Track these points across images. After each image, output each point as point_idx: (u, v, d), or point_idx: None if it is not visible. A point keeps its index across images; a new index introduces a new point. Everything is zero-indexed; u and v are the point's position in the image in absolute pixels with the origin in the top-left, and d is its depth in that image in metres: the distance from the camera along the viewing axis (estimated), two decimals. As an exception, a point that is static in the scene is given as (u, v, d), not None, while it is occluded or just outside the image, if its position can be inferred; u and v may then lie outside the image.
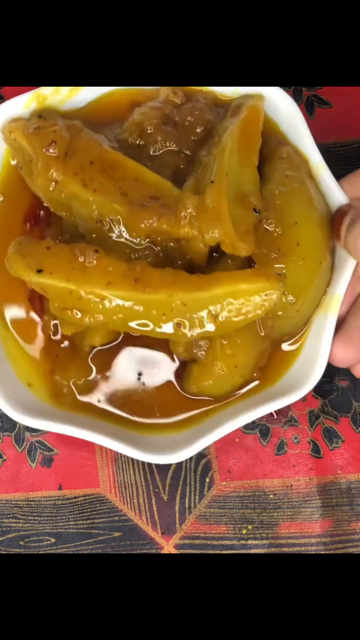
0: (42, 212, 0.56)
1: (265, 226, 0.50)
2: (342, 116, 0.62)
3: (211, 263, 0.52)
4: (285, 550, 0.57)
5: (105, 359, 0.55)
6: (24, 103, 0.54)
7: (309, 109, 0.62)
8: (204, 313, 0.48)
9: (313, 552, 0.56)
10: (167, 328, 0.48)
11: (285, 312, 0.51)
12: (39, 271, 0.48)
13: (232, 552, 0.56)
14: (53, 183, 0.51)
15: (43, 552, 0.56)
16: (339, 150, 0.62)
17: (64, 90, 0.54)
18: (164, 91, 0.56)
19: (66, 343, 0.55)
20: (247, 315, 0.48)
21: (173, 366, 0.55)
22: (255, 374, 0.53)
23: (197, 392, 0.53)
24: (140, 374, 0.55)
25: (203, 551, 0.57)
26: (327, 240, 0.52)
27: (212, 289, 0.47)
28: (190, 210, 0.48)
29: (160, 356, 0.55)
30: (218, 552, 0.56)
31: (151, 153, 0.54)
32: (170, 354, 0.55)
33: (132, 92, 0.56)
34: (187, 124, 0.54)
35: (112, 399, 0.55)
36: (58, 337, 0.55)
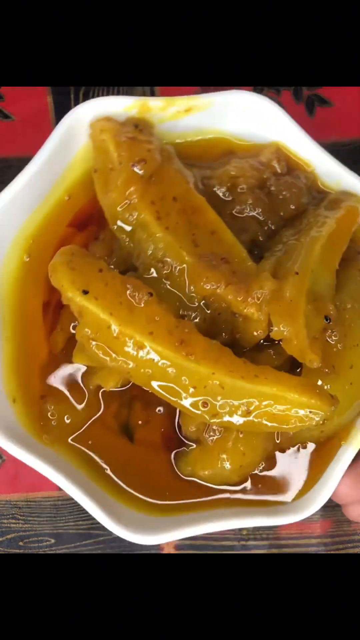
0: (89, 223, 0.51)
1: (327, 337, 0.46)
2: (343, 115, 0.62)
3: (254, 348, 0.47)
4: (286, 550, 0.57)
5: (106, 402, 0.50)
6: (125, 105, 0.49)
7: (309, 108, 0.62)
8: (237, 403, 0.43)
9: (313, 553, 0.56)
10: (191, 403, 0.43)
11: (311, 429, 0.47)
12: (85, 292, 0.44)
13: (232, 552, 0.56)
14: (126, 202, 0.46)
15: (43, 553, 0.56)
16: (340, 149, 0.62)
17: (172, 110, 0.50)
18: (268, 153, 0.52)
19: (68, 369, 0.49)
20: (283, 425, 0.43)
21: (174, 438, 0.50)
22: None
23: (188, 474, 0.49)
24: (131, 434, 0.50)
25: (203, 551, 0.56)
26: None
27: (258, 385, 0.43)
28: (265, 292, 0.44)
29: (165, 422, 0.50)
30: (218, 552, 0.56)
31: (234, 212, 0.50)
32: (171, 424, 0.50)
33: (233, 139, 0.53)
34: (281, 197, 0.51)
35: (100, 448, 0.49)
36: (58, 354, 0.49)
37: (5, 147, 0.61)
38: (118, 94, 0.61)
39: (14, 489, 0.58)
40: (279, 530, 0.57)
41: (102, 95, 0.61)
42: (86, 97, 0.62)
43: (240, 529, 0.57)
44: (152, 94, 0.63)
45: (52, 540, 0.57)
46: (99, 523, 0.57)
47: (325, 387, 0.46)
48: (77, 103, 0.61)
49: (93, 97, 0.62)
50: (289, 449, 0.50)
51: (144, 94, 0.63)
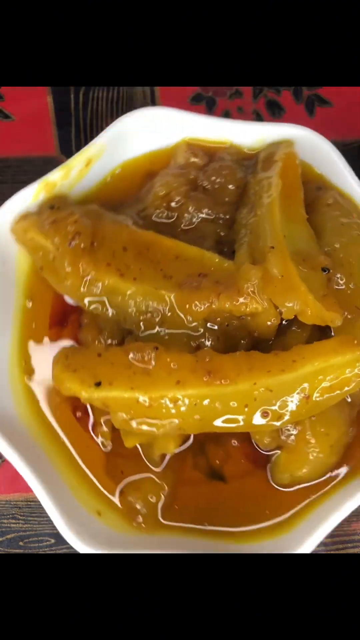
0: (69, 312, 0.50)
1: (336, 286, 0.45)
2: (343, 115, 0.62)
3: (279, 334, 0.46)
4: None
5: (178, 466, 0.48)
6: (32, 195, 0.49)
7: (309, 108, 0.62)
8: (294, 396, 0.42)
9: (313, 552, 0.56)
10: (252, 420, 0.42)
11: None
12: (98, 384, 0.42)
13: (232, 552, 0.56)
14: (85, 279, 0.45)
15: (43, 553, 0.56)
16: (339, 149, 0.62)
17: (74, 172, 0.50)
18: (181, 153, 0.51)
19: (128, 455, 0.48)
20: (344, 390, 0.42)
21: (256, 458, 0.48)
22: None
23: (290, 483, 0.47)
24: (220, 476, 0.48)
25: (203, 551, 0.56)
26: None
27: (300, 368, 0.42)
28: (255, 282, 0.43)
29: (237, 448, 0.48)
30: (218, 552, 0.56)
31: (184, 226, 0.49)
32: (249, 444, 0.48)
33: (145, 161, 0.52)
34: (217, 186, 0.50)
35: (196, 510, 0.47)
36: (110, 448, 0.48)
37: (5, 147, 0.61)
38: (118, 93, 0.61)
39: (14, 489, 0.58)
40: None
41: (102, 95, 0.62)
42: (86, 97, 0.62)
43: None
44: (152, 94, 0.63)
45: (52, 540, 0.56)
46: (99, 523, 0.57)
47: None
48: (77, 103, 0.61)
49: (93, 97, 0.62)
50: None
51: (144, 94, 0.63)
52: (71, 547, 0.56)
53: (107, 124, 0.62)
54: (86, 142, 0.62)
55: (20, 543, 0.57)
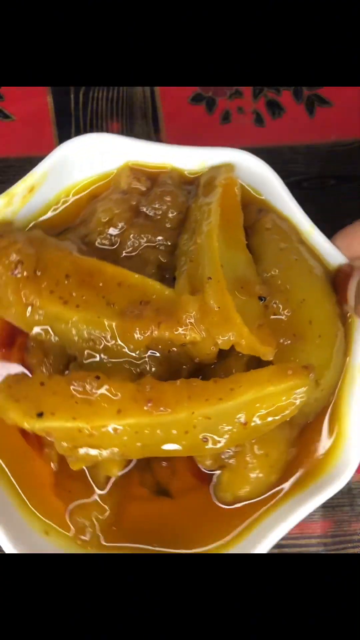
0: (15, 336, 0.50)
1: (273, 313, 0.46)
2: (343, 115, 0.62)
3: (220, 357, 0.47)
4: (286, 550, 0.56)
5: (125, 483, 0.48)
6: None
7: (309, 108, 0.62)
8: (232, 424, 0.42)
9: (313, 553, 0.56)
10: (192, 446, 0.43)
11: (311, 396, 0.46)
12: (40, 415, 0.42)
13: (232, 552, 0.56)
14: (29, 307, 0.45)
15: (42, 553, 0.56)
16: (339, 149, 0.62)
17: (16, 200, 0.50)
18: (124, 178, 0.51)
19: (74, 476, 0.48)
20: (280, 416, 0.43)
21: (201, 475, 0.49)
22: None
23: (232, 501, 0.48)
24: (166, 492, 0.49)
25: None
26: (335, 308, 0.48)
27: (237, 397, 0.42)
28: (193, 313, 0.44)
29: (183, 465, 0.49)
30: (218, 552, 0.56)
31: (126, 252, 0.49)
32: (193, 460, 0.48)
33: (88, 186, 0.52)
34: (159, 212, 0.50)
35: (141, 529, 0.48)
36: (57, 468, 0.48)
37: (5, 147, 0.61)
38: (118, 93, 0.61)
39: (14, 489, 0.58)
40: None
41: (102, 95, 0.62)
42: (86, 97, 0.62)
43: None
44: (152, 94, 0.63)
45: (52, 540, 0.56)
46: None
47: (299, 355, 0.45)
48: (77, 103, 0.61)
49: (93, 97, 0.62)
50: (305, 423, 0.49)
51: (143, 94, 0.63)
52: (71, 547, 0.56)
53: (107, 124, 0.62)
54: (86, 142, 0.62)
55: (20, 543, 0.57)
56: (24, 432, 0.49)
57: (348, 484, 0.58)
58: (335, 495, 0.57)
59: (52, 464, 0.48)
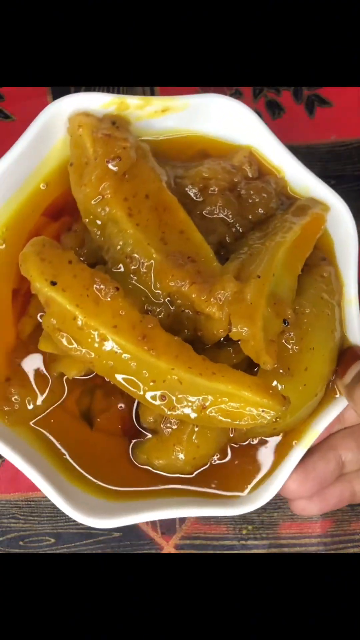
0: (64, 213, 0.51)
1: (284, 340, 0.48)
2: (343, 115, 0.62)
3: (215, 345, 0.49)
4: (286, 550, 0.57)
5: (69, 389, 0.51)
6: (103, 102, 0.50)
7: (309, 108, 0.62)
8: (194, 399, 0.45)
9: (313, 553, 0.56)
10: (150, 396, 0.45)
11: (264, 426, 0.48)
12: (53, 283, 0.45)
13: (232, 552, 0.56)
14: (99, 197, 0.47)
15: (43, 552, 0.56)
16: (339, 149, 0.62)
17: (148, 109, 0.51)
18: (240, 157, 0.53)
19: (34, 355, 0.50)
20: (236, 421, 0.45)
21: (132, 427, 0.51)
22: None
23: (143, 463, 0.50)
24: (95, 419, 0.51)
25: (203, 551, 0.56)
26: (330, 374, 0.50)
27: (214, 382, 0.44)
28: (227, 294, 0.45)
29: (124, 412, 0.51)
30: (218, 552, 0.56)
31: (204, 213, 0.51)
32: (129, 414, 0.51)
33: (208, 141, 0.54)
34: (250, 200, 0.52)
35: (60, 433, 0.50)
36: (24, 338, 0.50)
37: (5, 147, 0.61)
38: (118, 93, 0.61)
39: (14, 488, 0.58)
40: (279, 530, 0.57)
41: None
42: (86, 97, 0.62)
43: (241, 529, 0.57)
44: (152, 94, 0.63)
45: (52, 540, 0.57)
46: (99, 523, 0.57)
47: (280, 387, 0.47)
48: (77, 103, 0.61)
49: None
50: (242, 443, 0.51)
51: (144, 94, 0.63)
52: (71, 547, 0.57)
53: (107, 124, 0.62)
54: (86, 142, 0.62)
55: (20, 543, 0.57)
56: (14, 294, 0.51)
57: (348, 484, 0.58)
58: (335, 495, 0.57)
59: (21, 332, 0.50)
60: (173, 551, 0.57)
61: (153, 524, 0.57)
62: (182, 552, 0.57)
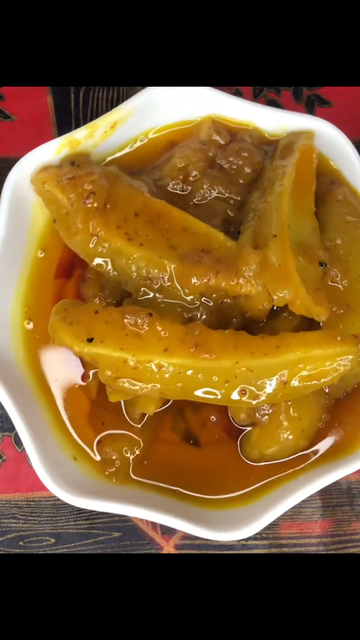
0: (76, 266, 0.51)
1: (330, 281, 0.47)
2: (343, 115, 0.62)
3: (269, 317, 0.48)
4: (286, 550, 0.57)
5: (156, 425, 0.50)
6: (54, 149, 0.50)
7: (309, 108, 0.62)
8: (272, 380, 0.43)
9: (313, 553, 0.56)
10: (230, 396, 0.44)
11: (353, 370, 0.46)
12: (90, 340, 0.44)
13: (232, 552, 0.56)
14: (94, 238, 0.47)
15: (43, 553, 0.56)
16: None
17: (98, 133, 0.51)
18: (205, 130, 0.52)
19: (111, 408, 0.50)
20: (320, 381, 0.44)
21: (231, 429, 0.50)
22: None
23: (258, 459, 0.49)
24: (195, 440, 0.50)
25: (203, 551, 0.56)
26: None
27: (282, 355, 0.43)
28: (253, 267, 0.44)
29: (214, 419, 0.50)
30: (218, 552, 0.56)
31: (196, 200, 0.50)
32: (225, 415, 0.50)
33: (169, 132, 0.53)
34: (234, 167, 0.51)
35: (167, 470, 0.49)
36: (95, 399, 0.50)
37: (5, 147, 0.61)
38: (118, 93, 0.61)
39: (14, 488, 0.58)
40: (279, 530, 0.57)
41: (102, 95, 0.62)
42: (86, 97, 0.62)
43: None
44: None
45: (52, 540, 0.57)
46: (98, 522, 0.57)
47: (349, 326, 0.46)
48: (77, 103, 0.61)
49: (93, 97, 0.62)
50: (342, 394, 0.50)
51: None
52: (71, 547, 0.57)
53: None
54: (86, 142, 0.62)
55: (20, 543, 0.57)
56: (66, 361, 0.51)
57: (348, 483, 0.58)
58: (335, 495, 0.58)
59: (89, 394, 0.50)
60: (173, 551, 0.57)
61: (153, 523, 0.57)
62: (182, 552, 0.56)
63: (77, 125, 0.62)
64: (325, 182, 0.51)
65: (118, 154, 0.53)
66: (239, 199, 0.51)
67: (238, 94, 0.63)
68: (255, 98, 0.63)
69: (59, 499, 0.57)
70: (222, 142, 0.52)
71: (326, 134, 0.51)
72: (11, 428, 0.59)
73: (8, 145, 0.61)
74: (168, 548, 0.57)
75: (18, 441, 0.59)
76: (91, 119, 0.62)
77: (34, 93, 0.62)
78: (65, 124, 0.62)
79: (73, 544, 0.57)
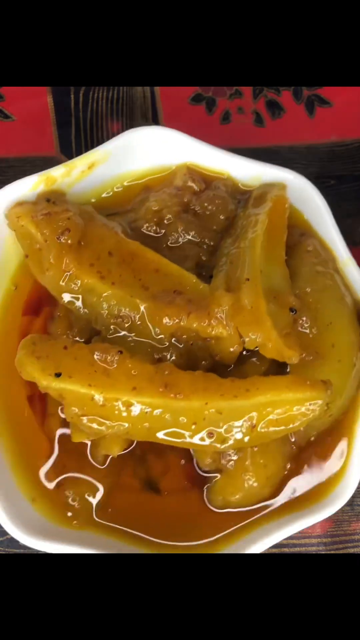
0: (45, 303, 0.51)
1: (300, 327, 0.47)
2: (342, 115, 0.62)
3: (238, 362, 0.48)
4: (286, 550, 0.56)
5: (120, 468, 0.49)
6: (31, 185, 0.50)
7: (309, 108, 0.62)
8: (240, 423, 0.43)
9: (313, 552, 0.56)
10: (198, 438, 0.43)
11: (320, 418, 0.46)
12: (57, 375, 0.43)
13: (232, 552, 0.56)
14: (66, 274, 0.46)
15: (43, 552, 0.56)
16: (339, 149, 0.62)
17: (75, 172, 0.51)
18: (180, 176, 0.53)
19: (72, 449, 0.49)
20: (288, 425, 0.43)
21: (194, 476, 0.49)
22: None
23: (223, 505, 0.49)
24: (156, 487, 0.49)
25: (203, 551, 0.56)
26: (358, 339, 0.49)
27: (252, 397, 0.43)
28: (225, 308, 0.45)
29: (184, 464, 0.50)
30: (218, 552, 0.56)
31: (170, 243, 0.51)
32: (189, 461, 0.49)
33: (145, 176, 0.54)
34: (208, 212, 0.52)
35: (130, 515, 0.49)
36: (56, 439, 0.49)
37: (5, 147, 0.61)
38: (118, 93, 0.61)
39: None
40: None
41: (102, 95, 0.62)
42: (86, 97, 0.62)
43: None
44: (152, 94, 0.63)
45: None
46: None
47: (318, 373, 0.46)
48: (77, 103, 0.61)
49: (93, 97, 0.62)
50: (306, 443, 0.50)
51: (144, 94, 0.63)
52: (71, 547, 0.56)
53: (107, 124, 0.62)
54: (86, 142, 0.62)
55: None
56: (30, 400, 0.50)
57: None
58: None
59: (51, 434, 0.49)
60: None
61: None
62: (111, 552, 0.56)
63: (77, 125, 0.62)
64: (296, 233, 0.52)
65: (93, 200, 0.53)
66: (212, 244, 0.51)
67: (238, 93, 0.63)
68: (255, 98, 0.63)
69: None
70: (196, 188, 0.53)
71: (298, 185, 0.52)
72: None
73: (8, 146, 0.61)
74: (168, 548, 0.57)
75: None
76: (91, 119, 0.62)
77: (34, 93, 0.62)
78: (65, 124, 0.62)
79: (73, 544, 0.57)
